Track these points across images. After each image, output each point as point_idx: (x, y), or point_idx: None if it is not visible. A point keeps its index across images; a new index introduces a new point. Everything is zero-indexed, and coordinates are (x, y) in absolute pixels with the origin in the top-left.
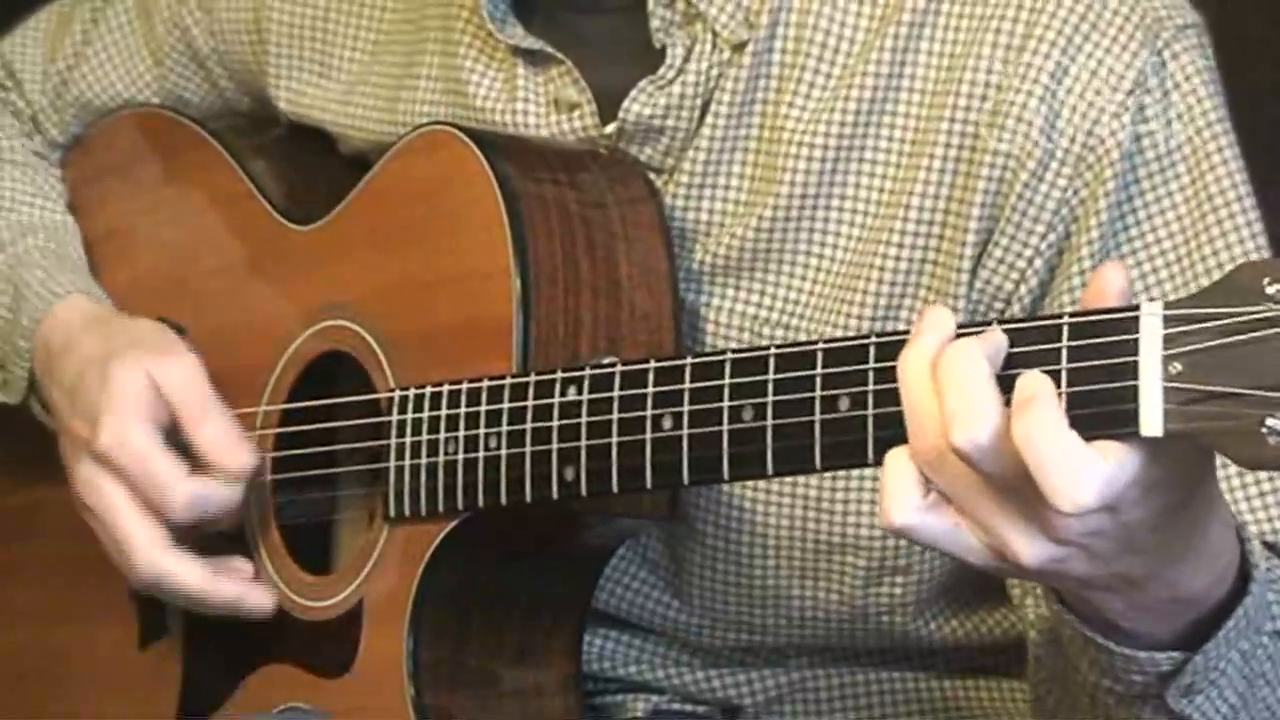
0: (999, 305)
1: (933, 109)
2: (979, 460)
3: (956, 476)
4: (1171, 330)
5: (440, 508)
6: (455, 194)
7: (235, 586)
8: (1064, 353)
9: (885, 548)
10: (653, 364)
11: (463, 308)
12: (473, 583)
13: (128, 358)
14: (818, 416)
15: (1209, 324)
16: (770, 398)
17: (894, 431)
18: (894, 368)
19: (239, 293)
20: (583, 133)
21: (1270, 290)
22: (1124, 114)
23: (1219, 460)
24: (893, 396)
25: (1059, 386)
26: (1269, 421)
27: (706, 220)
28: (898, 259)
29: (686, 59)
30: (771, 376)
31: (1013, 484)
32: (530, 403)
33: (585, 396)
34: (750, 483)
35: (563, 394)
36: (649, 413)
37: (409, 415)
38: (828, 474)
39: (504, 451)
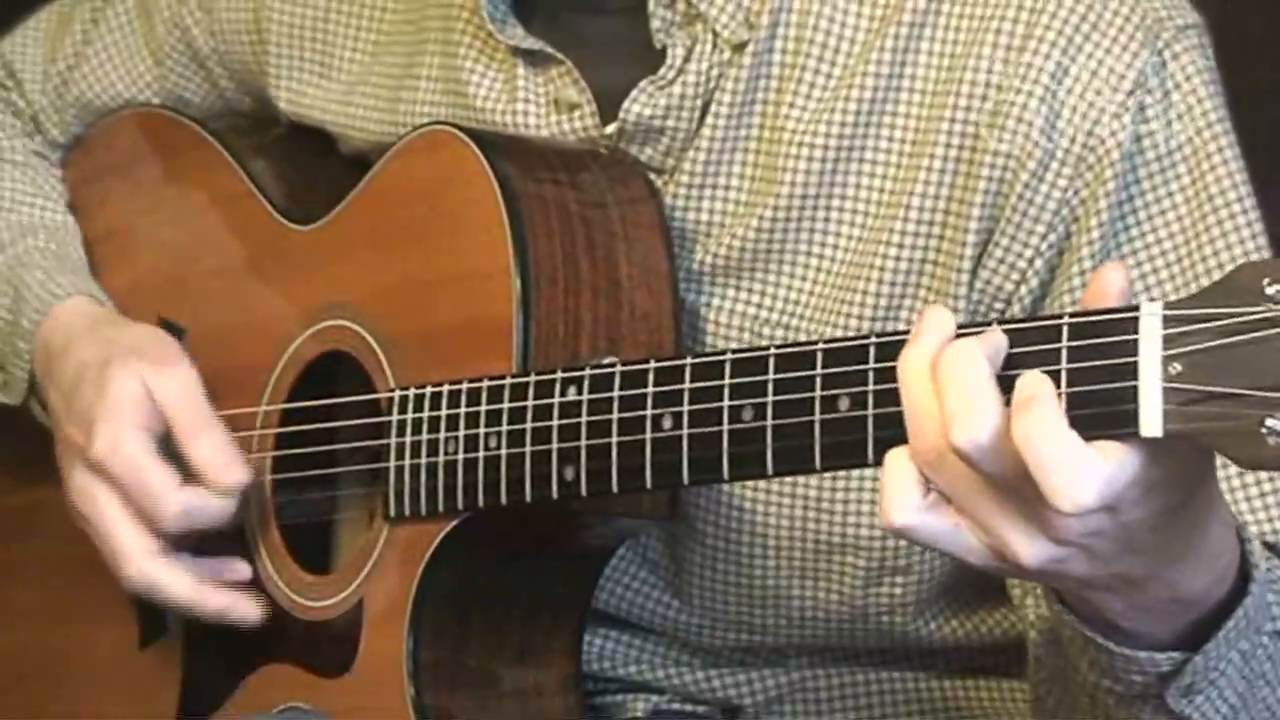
0: (999, 306)
1: (933, 109)
2: (979, 460)
3: (956, 476)
4: (1171, 330)
5: (440, 507)
6: (455, 194)
7: (223, 598)
8: (1064, 353)
9: (885, 548)
10: (653, 364)
11: (463, 308)
12: (473, 582)
13: (125, 365)
14: (817, 416)
15: (1209, 324)
16: (770, 398)
17: (894, 431)
18: (894, 368)
19: (239, 292)
20: (583, 133)
21: (1270, 290)
22: (1124, 114)
23: (1219, 460)
24: (893, 397)
25: (1059, 387)
26: (1269, 422)
27: (707, 220)
28: (898, 259)
29: (687, 59)
30: (771, 376)
31: (1013, 484)
32: (530, 402)
33: (585, 396)
34: (750, 483)
35: (563, 394)
36: (649, 413)
37: (409, 415)
38: (828, 474)
39: (504, 451)
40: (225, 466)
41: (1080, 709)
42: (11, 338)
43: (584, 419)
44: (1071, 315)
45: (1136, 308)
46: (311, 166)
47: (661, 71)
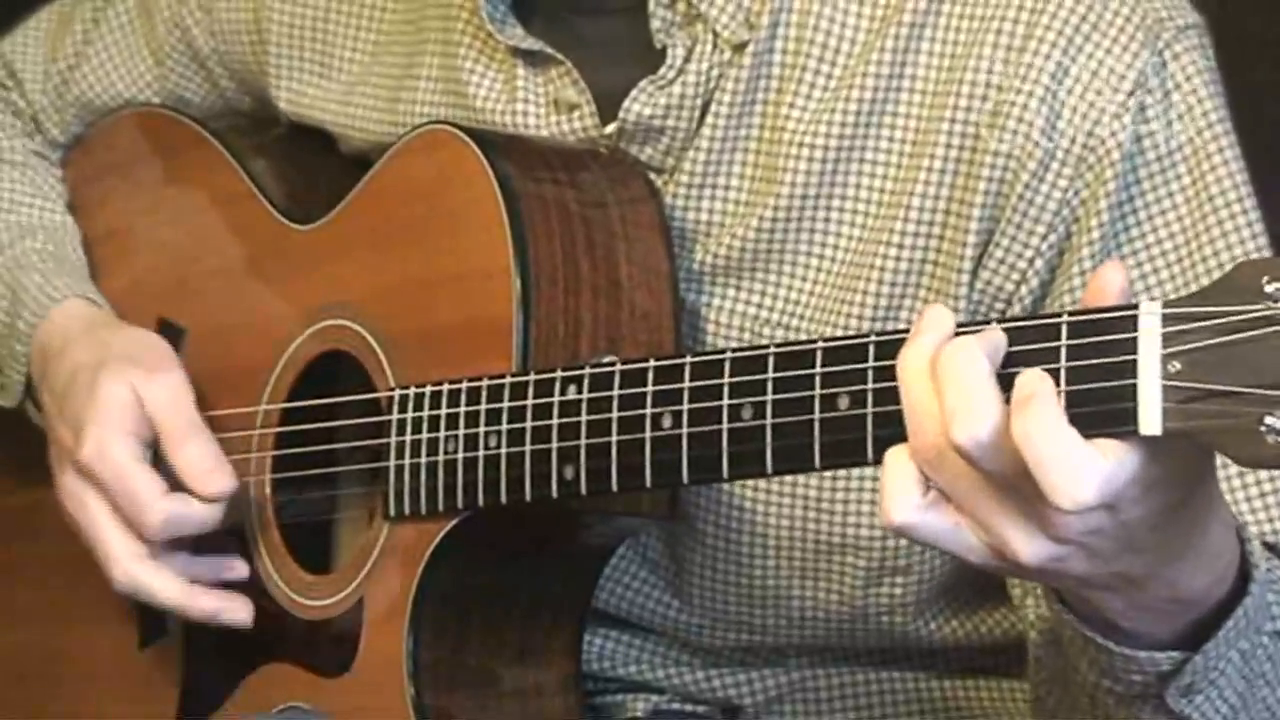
0: (1000, 306)
1: (933, 109)
2: (979, 458)
3: (956, 475)
4: (1170, 329)
5: (440, 506)
6: (455, 193)
7: (214, 601)
8: (1063, 351)
9: (885, 548)
10: (652, 363)
11: (463, 307)
12: (473, 582)
13: (116, 370)
14: (817, 415)
15: (1208, 323)
16: (770, 396)
17: (893, 430)
18: (893, 366)
19: (239, 292)
20: (583, 133)
21: (1269, 289)
22: (1125, 114)
23: (1219, 460)
24: (892, 395)
25: (1058, 385)
26: (1268, 420)
27: (707, 220)
28: (898, 259)
29: (687, 59)
30: (771, 375)
31: (1012, 482)
32: (530, 401)
33: (585, 395)
34: (750, 483)
35: (562, 393)
36: (648, 411)
37: (409, 414)
38: (828, 474)
39: (504, 450)
40: (209, 474)
41: (1080, 709)
42: (8, 340)
43: (584, 418)
44: (1071, 314)
45: (1135, 306)
46: (311, 166)
47: (661, 71)
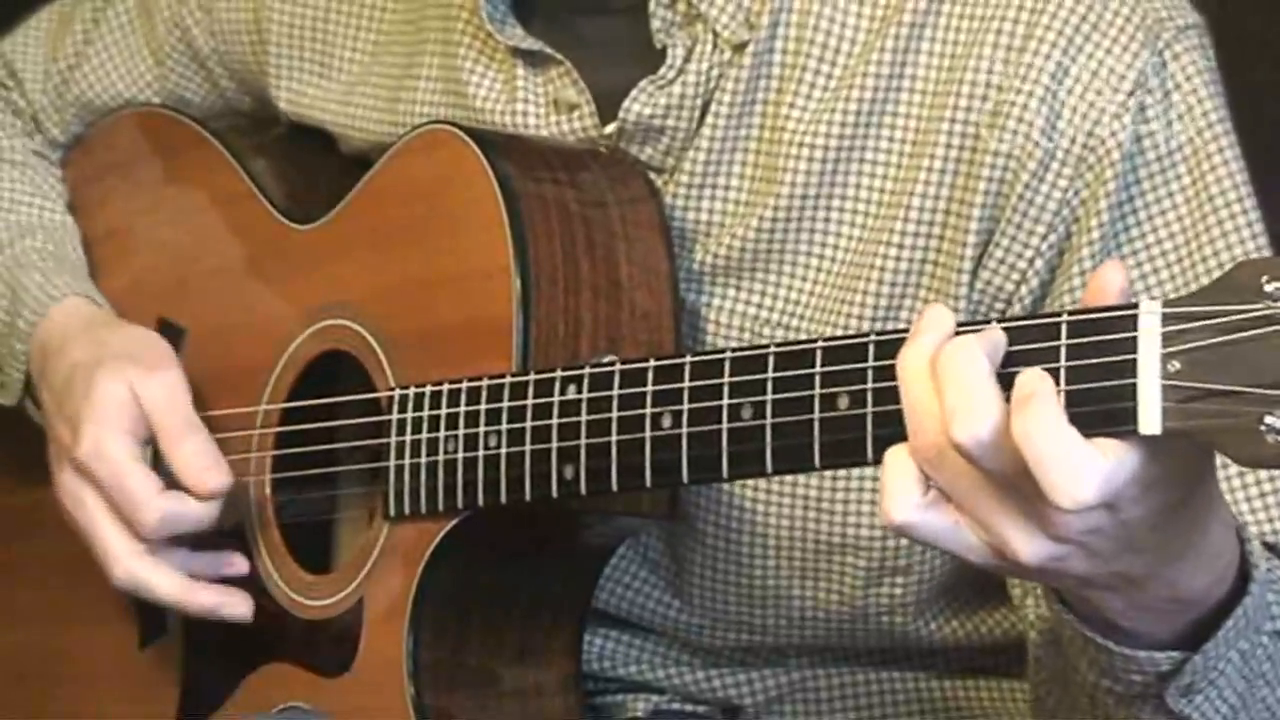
0: (1000, 306)
1: (933, 109)
2: (979, 457)
3: (957, 474)
4: (1170, 328)
5: (440, 506)
6: (455, 193)
7: (213, 595)
8: (1063, 351)
9: (885, 548)
10: (652, 363)
11: (463, 307)
12: (473, 582)
13: (114, 368)
14: (817, 415)
15: (1207, 322)
16: (769, 396)
17: (893, 429)
18: (893, 366)
19: (239, 292)
20: (582, 133)
21: (1269, 288)
22: (1125, 114)
23: (1219, 460)
24: (892, 395)
25: (1058, 384)
26: (1267, 419)
27: (707, 220)
28: (898, 259)
29: (687, 59)
30: (771, 375)
31: (1013, 481)
32: (530, 401)
33: (585, 395)
34: (750, 483)
35: (562, 392)
36: (648, 411)
37: (409, 414)
38: (828, 474)
39: (504, 450)
40: (205, 471)
41: (1080, 709)
42: (8, 339)
43: (584, 418)
44: (1071, 313)
45: (1135, 305)
46: (311, 166)
47: (661, 71)
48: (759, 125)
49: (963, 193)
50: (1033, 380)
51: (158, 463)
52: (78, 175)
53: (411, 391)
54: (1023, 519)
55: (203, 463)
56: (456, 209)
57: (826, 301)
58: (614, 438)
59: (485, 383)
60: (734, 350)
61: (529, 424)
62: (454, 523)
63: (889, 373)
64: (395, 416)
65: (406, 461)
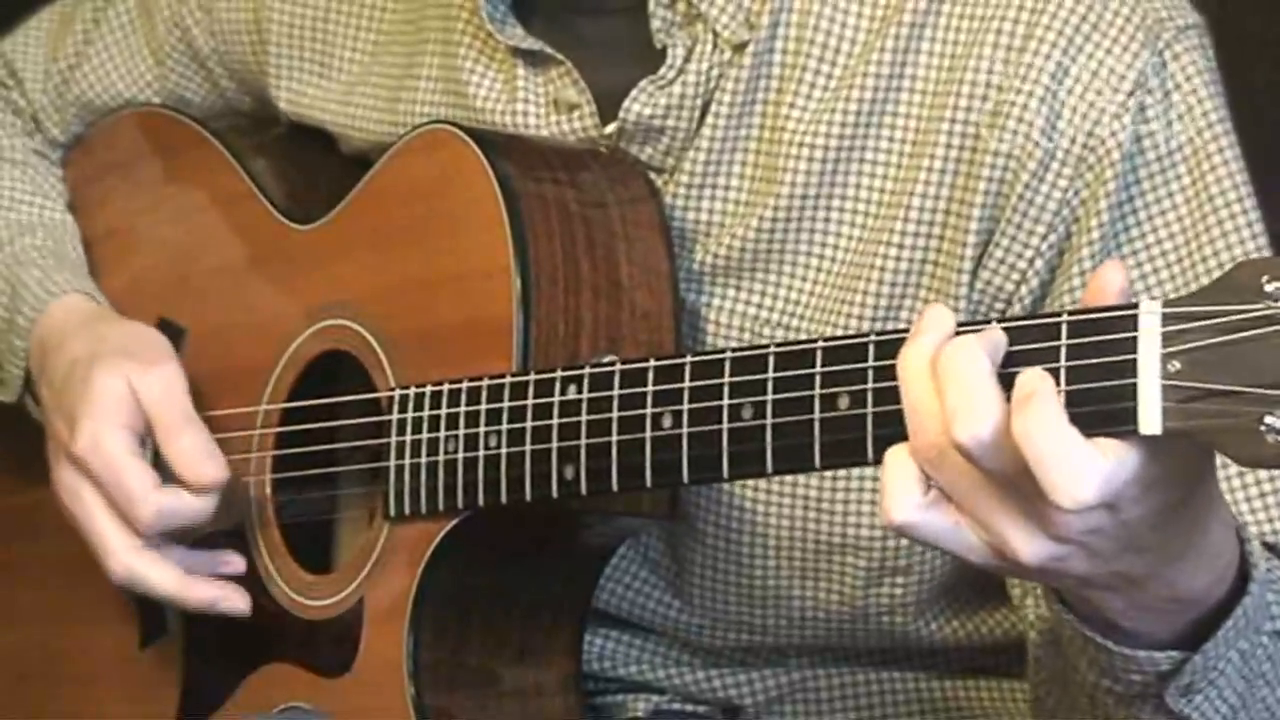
0: (1000, 306)
1: (933, 109)
2: (980, 456)
3: (957, 474)
4: (1170, 328)
5: (440, 506)
6: (455, 193)
7: (211, 589)
8: (1063, 351)
9: (885, 548)
10: (652, 363)
11: (463, 307)
12: (473, 582)
13: (111, 363)
14: (817, 415)
15: (1208, 322)
16: (770, 396)
17: (894, 429)
18: (893, 366)
19: (240, 292)
20: (583, 133)
21: (1269, 288)
22: (1125, 114)
23: (1219, 460)
24: (892, 395)
25: (1058, 384)
26: (1267, 419)
27: (707, 220)
28: (898, 259)
29: (687, 59)
30: (771, 375)
31: (1013, 480)
32: (530, 401)
33: (585, 395)
34: (751, 483)
35: (562, 392)
36: (649, 411)
37: (409, 414)
38: (828, 474)
39: (504, 450)
40: (200, 463)
41: (1080, 709)
42: (8, 335)
43: (584, 418)
44: (1071, 313)
45: (1135, 305)
46: (311, 166)
47: (661, 71)
48: (759, 125)
49: (963, 193)
50: (1033, 380)
51: (157, 459)
52: (78, 175)
53: (412, 391)
54: (1023, 519)
55: (198, 455)
56: (457, 209)
57: (826, 301)
58: (614, 438)
59: (485, 383)
60: (734, 350)
61: (529, 424)
62: (454, 523)
63: (889, 373)
64: (395, 416)
65: (407, 461)
